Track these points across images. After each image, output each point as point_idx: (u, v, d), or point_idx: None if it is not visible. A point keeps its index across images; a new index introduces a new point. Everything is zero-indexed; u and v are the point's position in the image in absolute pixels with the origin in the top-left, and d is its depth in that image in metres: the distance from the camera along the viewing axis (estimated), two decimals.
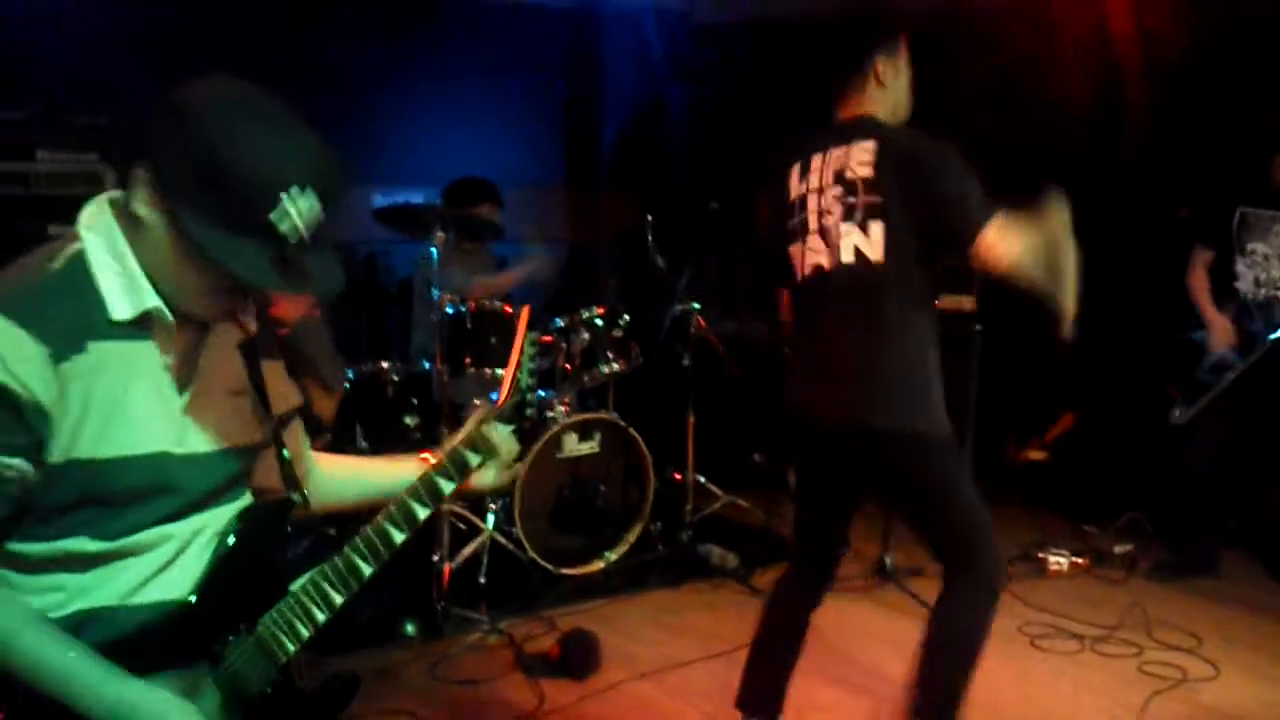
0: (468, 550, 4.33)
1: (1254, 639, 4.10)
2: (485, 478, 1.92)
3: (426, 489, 1.80)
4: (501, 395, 1.90)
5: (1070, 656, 3.94)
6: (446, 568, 4.16)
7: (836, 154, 2.76)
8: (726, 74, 6.45)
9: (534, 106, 6.54)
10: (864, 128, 2.76)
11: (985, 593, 2.78)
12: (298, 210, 1.50)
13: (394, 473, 1.89)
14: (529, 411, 1.91)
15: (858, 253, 2.70)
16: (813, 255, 2.80)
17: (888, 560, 4.53)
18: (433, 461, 1.85)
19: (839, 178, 2.73)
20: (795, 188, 2.84)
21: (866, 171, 2.69)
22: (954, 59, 6.02)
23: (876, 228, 2.68)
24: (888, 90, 2.81)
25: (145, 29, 5.16)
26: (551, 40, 6.49)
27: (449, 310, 4.41)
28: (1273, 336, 4.15)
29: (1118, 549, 4.94)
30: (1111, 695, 3.51)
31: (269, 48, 5.24)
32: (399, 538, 1.76)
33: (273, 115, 1.54)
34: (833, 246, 2.74)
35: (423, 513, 1.78)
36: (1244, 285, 4.37)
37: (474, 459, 1.85)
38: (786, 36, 6.83)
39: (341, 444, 4.42)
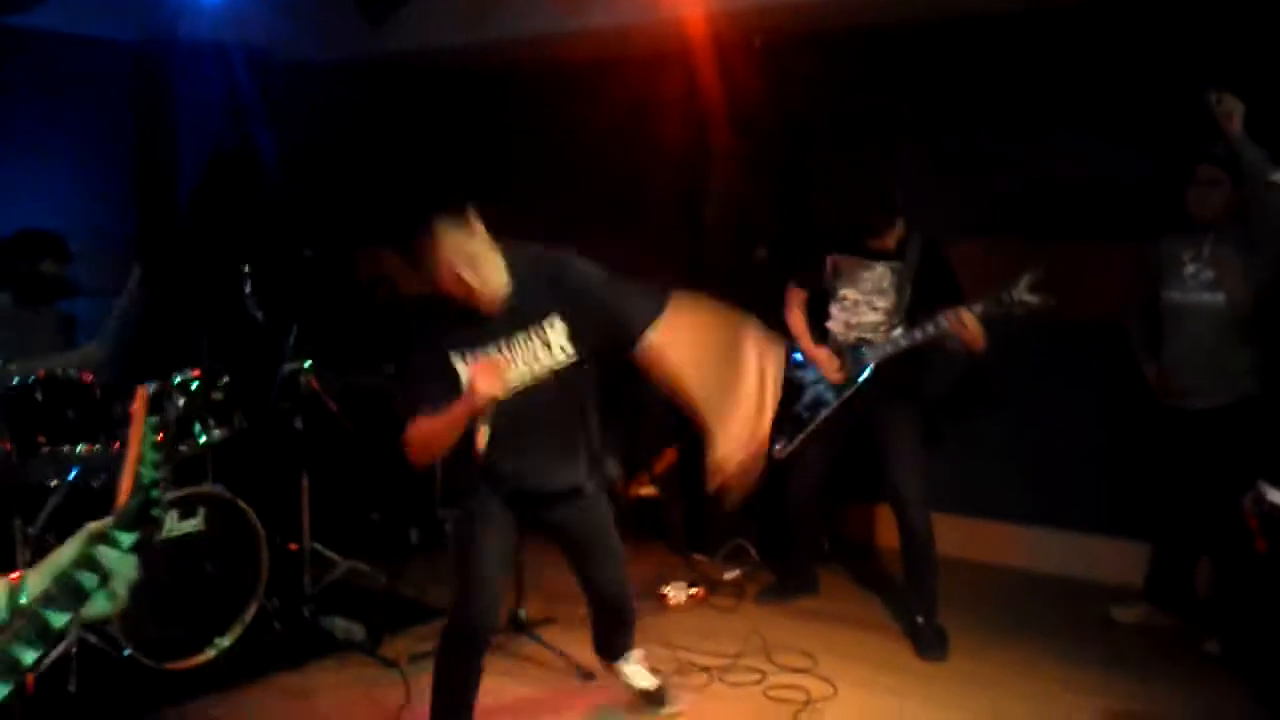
0: (53, 654, 3.78)
1: (861, 652, 4.40)
2: (98, 605, 1.59)
3: (35, 628, 1.50)
4: (121, 494, 1.62)
5: (701, 690, 4.04)
6: (29, 677, 3.60)
7: None
8: (320, 116, 6.19)
9: (99, 148, 5.90)
10: None
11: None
12: None
13: None
14: (155, 513, 1.64)
15: None
16: None
17: (520, 613, 4.47)
18: (38, 589, 1.53)
19: None
20: None
21: None
22: (571, 108, 6.16)
23: None
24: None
25: None
26: (116, 76, 5.91)
27: (14, 381, 3.90)
28: (862, 378, 4.44)
29: (726, 575, 5.19)
30: None
31: None
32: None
33: None
34: None
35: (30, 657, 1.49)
36: (835, 327, 4.54)
37: (90, 581, 1.56)
38: (383, 78, 6.67)
39: None
